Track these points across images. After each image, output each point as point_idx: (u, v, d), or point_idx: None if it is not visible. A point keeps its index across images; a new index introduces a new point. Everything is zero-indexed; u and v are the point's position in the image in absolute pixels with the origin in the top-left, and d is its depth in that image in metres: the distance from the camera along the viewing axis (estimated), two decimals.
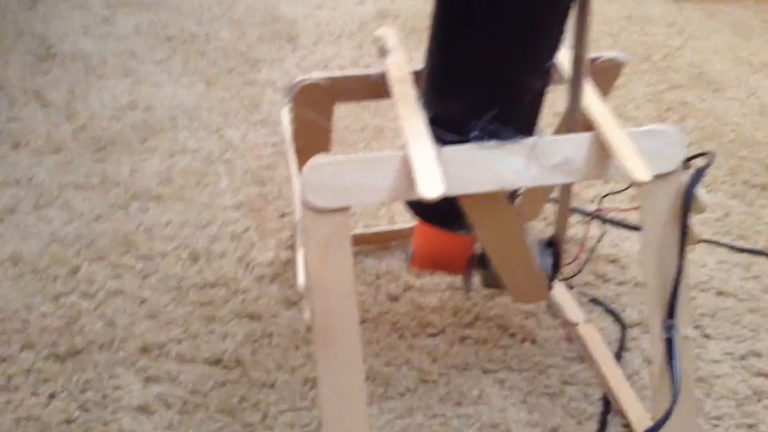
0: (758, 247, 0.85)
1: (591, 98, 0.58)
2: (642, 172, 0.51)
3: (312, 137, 0.66)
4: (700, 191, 0.56)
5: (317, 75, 0.61)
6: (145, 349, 0.70)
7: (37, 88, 1.07)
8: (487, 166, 0.52)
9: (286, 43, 1.26)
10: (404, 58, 0.61)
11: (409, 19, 1.35)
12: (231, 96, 1.10)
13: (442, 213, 0.59)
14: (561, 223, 0.65)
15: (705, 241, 0.85)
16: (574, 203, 0.90)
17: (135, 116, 1.03)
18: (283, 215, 0.87)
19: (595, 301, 0.77)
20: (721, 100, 1.15)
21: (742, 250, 0.84)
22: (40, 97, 1.06)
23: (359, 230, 0.85)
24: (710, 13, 1.45)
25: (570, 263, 0.76)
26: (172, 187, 0.91)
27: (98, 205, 0.87)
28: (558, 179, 0.54)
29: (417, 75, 0.59)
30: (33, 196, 0.88)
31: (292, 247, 0.82)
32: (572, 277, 0.76)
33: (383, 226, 0.86)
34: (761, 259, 0.83)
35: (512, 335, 0.73)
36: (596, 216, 0.76)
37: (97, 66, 1.14)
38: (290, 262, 0.80)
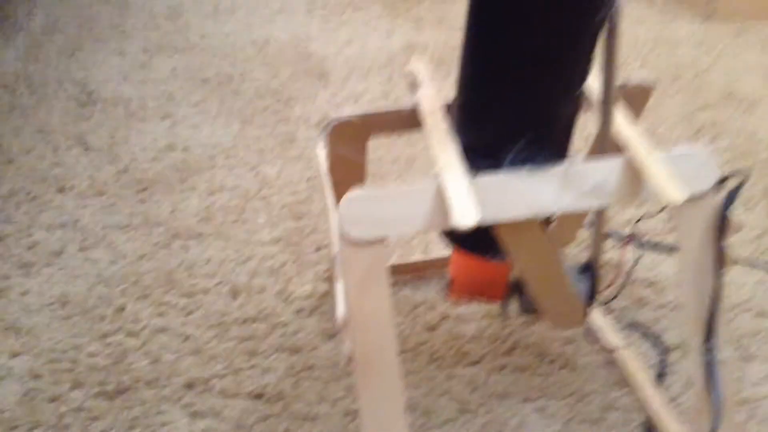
0: None
1: (621, 122, 0.58)
2: (675, 194, 0.51)
3: (347, 172, 0.68)
4: (735, 212, 0.55)
5: (350, 113, 0.63)
6: (189, 385, 0.71)
7: (80, 133, 1.11)
8: (520, 193, 0.53)
9: (317, 80, 1.29)
10: (435, 91, 0.63)
11: (437, 51, 1.37)
12: (266, 134, 1.13)
13: (478, 241, 0.60)
14: (596, 248, 0.66)
15: (741, 261, 0.85)
16: (609, 227, 0.90)
17: (174, 157, 1.06)
18: (319, 248, 0.89)
19: (633, 325, 0.77)
20: (753, 118, 1.14)
21: None
22: (83, 141, 1.09)
23: (395, 261, 0.86)
24: (739, 31, 1.45)
25: (607, 288, 0.76)
26: (211, 224, 0.93)
27: (141, 244, 0.89)
28: (591, 204, 0.55)
29: (448, 107, 0.60)
30: (79, 239, 0.91)
31: (329, 280, 0.83)
32: (610, 301, 0.76)
33: (418, 256, 0.87)
34: None
35: (551, 362, 0.73)
36: (631, 240, 0.76)
37: (137, 110, 1.18)
38: (327, 295, 0.81)
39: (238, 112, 1.18)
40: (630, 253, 0.84)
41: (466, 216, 0.50)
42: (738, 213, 0.93)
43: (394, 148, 1.07)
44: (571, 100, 0.54)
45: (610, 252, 0.86)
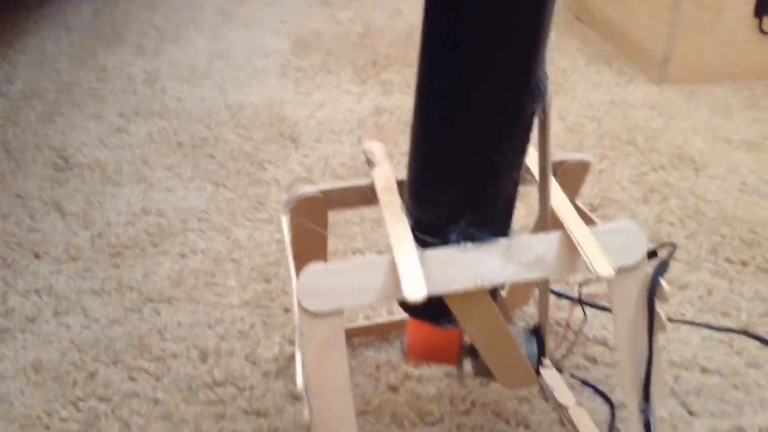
0: (741, 323, 0.89)
1: (558, 199, 0.63)
2: (605, 268, 0.56)
3: (308, 242, 0.72)
4: (664, 282, 0.60)
5: (312, 188, 0.68)
6: None
7: (57, 199, 1.15)
8: (466, 266, 0.57)
9: (289, 143, 1.34)
10: (389, 168, 0.68)
11: (404, 115, 1.43)
12: (238, 196, 1.17)
13: (430, 309, 0.64)
14: (542, 312, 0.70)
15: (686, 321, 0.89)
16: (561, 287, 0.95)
17: (148, 221, 1.10)
18: (287, 310, 0.92)
19: (585, 383, 0.81)
20: (702, 179, 1.21)
21: (721, 329, 0.88)
22: (59, 207, 1.13)
23: (360, 322, 0.89)
24: (691, 94, 1.53)
25: (558, 347, 0.80)
26: (183, 288, 0.96)
27: (114, 309, 0.92)
28: (533, 275, 0.59)
29: (401, 184, 0.65)
30: (53, 304, 0.93)
31: (294, 342, 0.86)
32: (561, 360, 0.80)
33: (382, 318, 0.91)
34: (744, 335, 0.87)
35: (507, 421, 0.76)
36: (580, 300, 0.80)
37: (113, 174, 1.22)
38: (293, 357, 0.85)
39: (212, 175, 1.23)
40: (580, 312, 0.89)
41: (415, 289, 0.54)
42: (684, 272, 0.98)
43: (362, 210, 1.12)
44: (510, 181, 0.59)
45: (563, 310, 0.91)
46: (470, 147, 0.56)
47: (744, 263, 0.99)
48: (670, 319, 0.89)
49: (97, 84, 1.55)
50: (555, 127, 1.40)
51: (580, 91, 1.54)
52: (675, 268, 0.99)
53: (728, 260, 1.00)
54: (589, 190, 1.18)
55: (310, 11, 2.04)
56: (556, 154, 0.68)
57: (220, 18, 1.97)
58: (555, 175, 0.68)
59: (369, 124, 1.41)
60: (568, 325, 0.85)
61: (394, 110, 1.46)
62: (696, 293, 0.94)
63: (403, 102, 1.49)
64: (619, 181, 1.20)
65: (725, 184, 1.19)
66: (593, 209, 1.13)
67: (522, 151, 0.59)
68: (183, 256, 1.03)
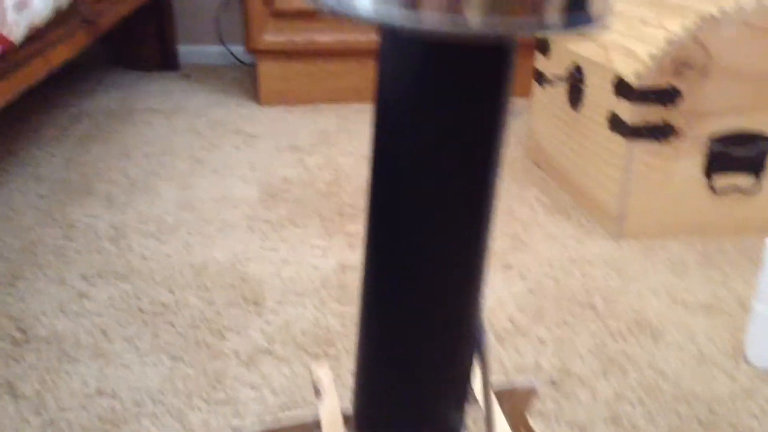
0: None
1: (502, 428, 0.64)
2: None
3: None
4: None
5: (255, 427, 0.67)
6: None
7: (11, 379, 1.13)
8: None
9: (252, 307, 1.34)
10: (336, 401, 0.68)
11: None
12: (196, 373, 1.16)
13: None
14: None
15: None
16: None
17: (102, 404, 1.08)
18: None
19: None
20: (661, 348, 1.22)
21: None
22: (12, 388, 1.11)
23: None
24: (648, 249, 1.57)
25: None
26: None
27: None
28: None
29: (346, 419, 0.65)
30: None
31: None
32: None
33: None
34: None
35: None
36: None
37: (70, 348, 1.20)
38: None
39: (170, 347, 1.22)
40: None
41: None
42: None
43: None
44: (457, 411, 0.59)
45: None
46: (412, 388, 0.57)
47: None
48: None
49: (63, 241, 1.56)
50: (516, 286, 1.42)
51: (539, 246, 1.58)
52: None
53: None
54: (548, 360, 1.18)
55: (279, 157, 2.09)
56: (501, 382, 0.69)
57: (190, 165, 2.01)
58: (501, 403, 0.69)
59: (333, 282, 1.42)
60: None
61: (357, 267, 1.48)
62: None
63: None
64: (579, 350, 1.21)
65: (683, 354, 1.21)
66: (553, 384, 1.13)
67: (461, 397, 0.59)
68: None
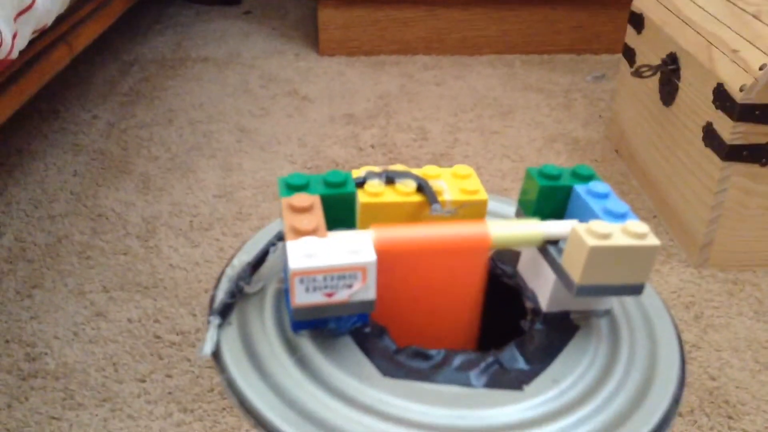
0: None
1: None
2: None
3: None
4: None
5: None
6: None
7: (11, 427, 1.06)
8: None
9: None
10: None
11: None
12: (204, 429, 1.06)
13: None
14: None
15: None
16: None
17: None
18: None
19: None
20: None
21: None
22: None
23: None
24: (732, 285, 1.35)
25: None
26: None
27: None
28: None
29: None
30: None
31: None
32: None
33: None
34: None
35: None
36: None
37: (77, 388, 1.12)
38: None
39: (181, 394, 1.12)
40: None
41: None
42: None
43: None
44: None
45: None
46: None
47: None
48: None
49: (90, 237, 1.47)
50: None
51: None
52: None
53: None
54: None
55: (332, 129, 1.93)
56: None
57: (236, 137, 1.88)
58: None
59: None
60: None
61: None
62: None
63: None
64: None
65: None
66: None
67: None
68: None
